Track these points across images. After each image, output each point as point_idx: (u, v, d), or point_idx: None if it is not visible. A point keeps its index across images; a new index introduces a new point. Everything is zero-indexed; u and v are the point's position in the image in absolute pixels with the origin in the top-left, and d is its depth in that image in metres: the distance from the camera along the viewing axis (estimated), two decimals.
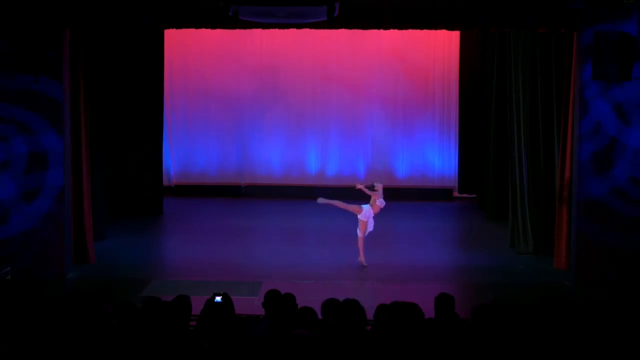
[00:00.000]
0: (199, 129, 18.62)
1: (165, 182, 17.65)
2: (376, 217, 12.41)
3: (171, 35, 16.51)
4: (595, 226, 11.44)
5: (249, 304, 9.50)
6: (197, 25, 12.46)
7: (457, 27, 13.63)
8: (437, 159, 18.55)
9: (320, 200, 12.60)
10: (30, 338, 5.97)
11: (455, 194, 18.42)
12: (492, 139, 15.90)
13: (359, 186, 12.53)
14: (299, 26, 11.50)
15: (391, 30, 12.50)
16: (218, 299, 6.45)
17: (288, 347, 5.34)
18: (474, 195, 17.94)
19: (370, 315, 6.34)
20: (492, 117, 15.94)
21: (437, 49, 18.17)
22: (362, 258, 12.39)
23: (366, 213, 12.39)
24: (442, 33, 17.03)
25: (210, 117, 18.62)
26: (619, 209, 11.41)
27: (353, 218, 12.57)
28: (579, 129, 11.45)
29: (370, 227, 12.40)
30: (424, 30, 14.08)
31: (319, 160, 18.62)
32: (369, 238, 12.53)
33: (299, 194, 17.73)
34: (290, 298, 6.65)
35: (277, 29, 13.28)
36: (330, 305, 6.43)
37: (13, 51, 10.84)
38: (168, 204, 16.86)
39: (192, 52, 18.31)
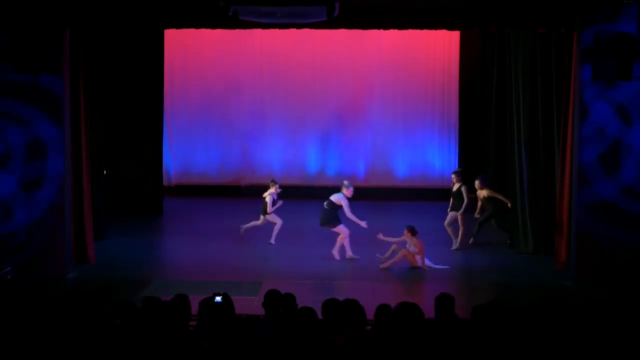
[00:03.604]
0: (199, 129, 18.62)
1: (165, 182, 17.65)
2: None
3: (171, 35, 16.50)
4: (598, 226, 11.42)
5: (249, 304, 9.49)
6: (197, 25, 12.46)
7: (457, 27, 13.63)
8: (437, 159, 18.54)
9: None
10: (30, 338, 5.96)
11: None
12: (492, 139, 15.89)
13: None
14: (299, 26, 11.49)
15: (391, 30, 12.50)
16: (218, 299, 6.44)
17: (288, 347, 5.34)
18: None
19: (370, 315, 6.34)
20: (492, 117, 15.94)
21: (437, 49, 18.16)
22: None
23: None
24: (442, 33, 17.03)
25: (210, 117, 18.62)
26: (620, 207, 11.41)
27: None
28: (579, 129, 11.44)
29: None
30: (424, 30, 14.09)
31: (319, 160, 18.61)
32: (369, 238, 12.58)
33: (299, 194, 17.73)
34: (290, 298, 6.65)
35: (277, 29, 13.25)
36: (330, 305, 6.43)
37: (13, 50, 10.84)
38: (168, 204, 16.87)
39: (192, 52, 18.31)
